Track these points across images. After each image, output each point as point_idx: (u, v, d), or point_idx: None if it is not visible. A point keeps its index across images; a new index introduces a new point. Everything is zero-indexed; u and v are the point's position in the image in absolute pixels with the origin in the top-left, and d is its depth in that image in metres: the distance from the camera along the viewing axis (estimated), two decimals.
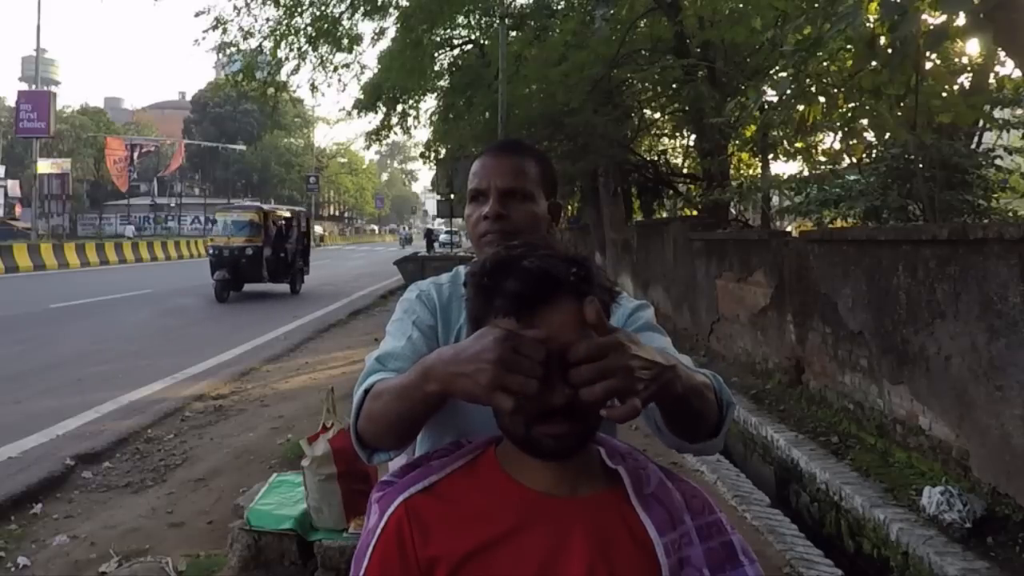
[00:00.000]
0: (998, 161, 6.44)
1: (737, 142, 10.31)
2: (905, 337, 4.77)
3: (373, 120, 18.70)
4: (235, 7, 13.11)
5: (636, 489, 0.97)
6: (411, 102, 18.52)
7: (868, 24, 3.91)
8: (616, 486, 0.98)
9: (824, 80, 5.31)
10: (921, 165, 5.85)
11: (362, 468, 3.04)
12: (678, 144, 16.29)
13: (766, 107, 7.08)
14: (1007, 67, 5.77)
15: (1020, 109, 6.43)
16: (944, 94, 5.03)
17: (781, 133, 8.38)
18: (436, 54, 16.40)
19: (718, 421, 1.07)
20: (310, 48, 13.64)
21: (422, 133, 36.59)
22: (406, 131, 19.66)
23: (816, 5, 5.50)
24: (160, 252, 30.79)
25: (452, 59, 17.94)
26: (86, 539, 3.79)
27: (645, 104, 14.30)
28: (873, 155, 6.89)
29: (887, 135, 5.72)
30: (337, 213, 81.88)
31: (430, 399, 0.93)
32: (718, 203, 9.93)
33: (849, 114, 5.47)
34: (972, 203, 6.04)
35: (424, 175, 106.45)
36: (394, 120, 18.80)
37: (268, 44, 13.51)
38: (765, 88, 7.00)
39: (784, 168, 22.87)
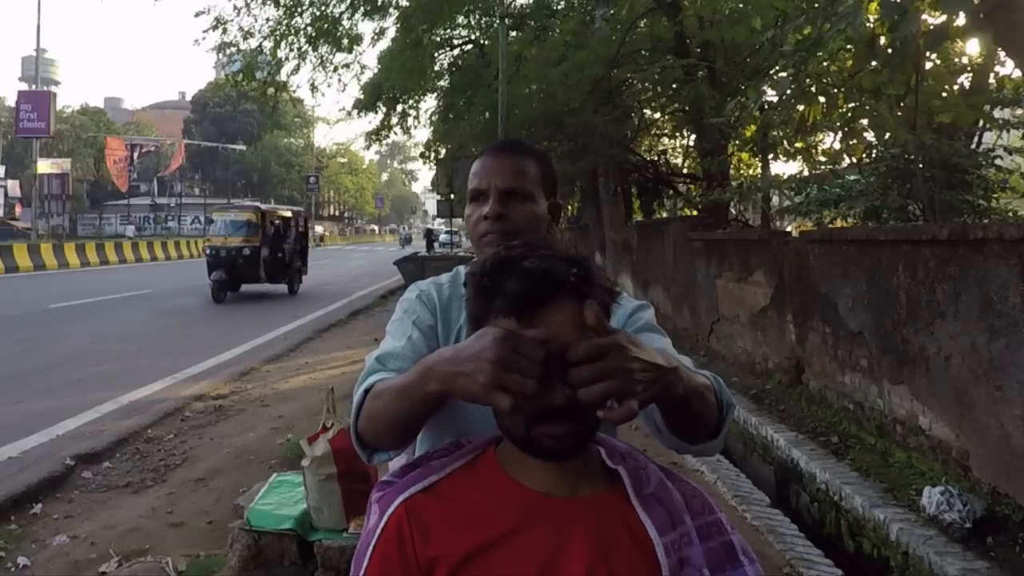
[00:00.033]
0: (998, 161, 6.44)
1: (737, 142, 10.31)
2: (905, 337, 4.77)
3: (373, 120, 18.72)
4: (235, 7, 13.13)
5: (636, 489, 0.97)
6: (411, 102, 18.52)
7: (868, 24, 3.91)
8: (616, 486, 0.98)
9: (824, 80, 5.31)
10: (921, 165, 5.85)
11: (362, 468, 3.04)
12: (678, 144, 16.30)
13: (766, 107, 7.08)
14: (1007, 67, 5.77)
15: (1020, 109, 6.43)
16: (944, 94, 5.03)
17: (781, 133, 8.38)
18: (436, 54, 16.39)
19: (718, 422, 1.07)
20: (310, 48, 13.65)
21: (422, 133, 36.62)
22: (406, 131, 19.67)
23: (816, 5, 5.50)
24: (160, 252, 30.80)
25: (452, 59, 17.95)
26: (86, 539, 3.79)
27: (645, 104, 14.30)
28: (873, 155, 6.88)
29: (887, 135, 5.72)
30: (337, 213, 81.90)
31: (430, 399, 0.93)
32: (718, 203, 9.93)
33: (849, 114, 5.47)
34: (972, 203, 6.04)
35: (424, 175, 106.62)
36: (394, 120, 18.79)
37: (268, 44, 13.52)
38: (765, 88, 7.00)
39: (784, 168, 22.89)
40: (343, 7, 13.06)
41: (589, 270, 0.94)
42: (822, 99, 5.11)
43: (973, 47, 5.43)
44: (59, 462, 4.97)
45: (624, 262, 14.13)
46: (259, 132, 62.28)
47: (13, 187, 47.89)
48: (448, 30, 16.06)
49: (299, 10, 12.91)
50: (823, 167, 8.36)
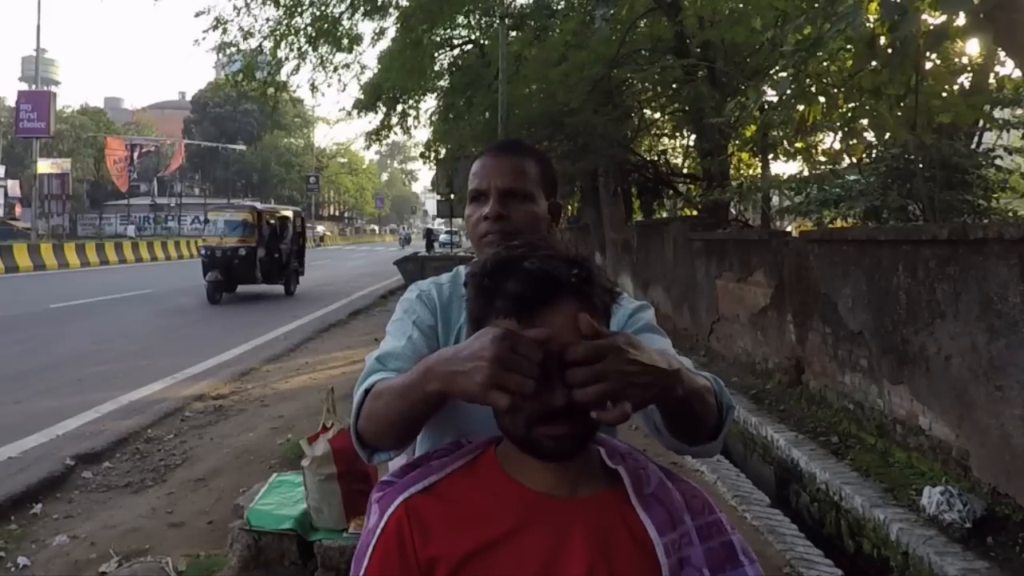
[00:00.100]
0: (998, 161, 6.44)
1: (737, 142, 10.31)
2: (905, 337, 4.77)
3: (373, 120, 18.72)
4: (235, 7, 13.12)
5: (636, 489, 0.97)
6: (411, 102, 18.52)
7: (868, 24, 3.91)
8: (616, 486, 0.98)
9: (824, 80, 5.31)
10: (921, 165, 5.85)
11: (362, 468, 3.04)
12: (678, 144, 16.30)
13: (766, 107, 7.08)
14: (1007, 67, 5.77)
15: (1020, 109, 6.43)
16: (944, 94, 5.03)
17: (781, 133, 8.38)
18: (436, 54, 16.40)
19: (718, 424, 1.07)
20: (310, 48, 13.64)
21: (422, 133, 36.61)
22: (406, 131, 19.68)
23: (816, 5, 5.50)
24: (160, 252, 30.81)
25: (452, 59, 17.95)
26: (86, 539, 3.79)
27: (645, 104, 14.30)
28: (873, 155, 6.89)
29: (887, 135, 5.72)
30: (337, 213, 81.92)
31: (430, 398, 0.93)
32: (718, 203, 9.93)
33: (849, 114, 5.47)
34: (972, 203, 6.04)
35: (424, 175, 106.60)
36: (394, 120, 18.79)
37: (268, 44, 13.51)
38: (765, 88, 7.00)
39: (784, 168, 22.86)
40: (343, 7, 13.07)
41: (590, 271, 0.94)
42: (822, 99, 5.11)
43: (973, 47, 5.43)
44: (59, 462, 4.97)
45: (624, 262, 14.13)
46: (259, 132, 62.28)
47: (13, 187, 47.89)
48: (448, 30, 16.06)
49: (299, 10, 12.91)
50: (823, 167, 8.36)
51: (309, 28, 13.18)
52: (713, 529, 1.00)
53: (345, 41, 13.76)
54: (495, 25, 13.98)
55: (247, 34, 13.38)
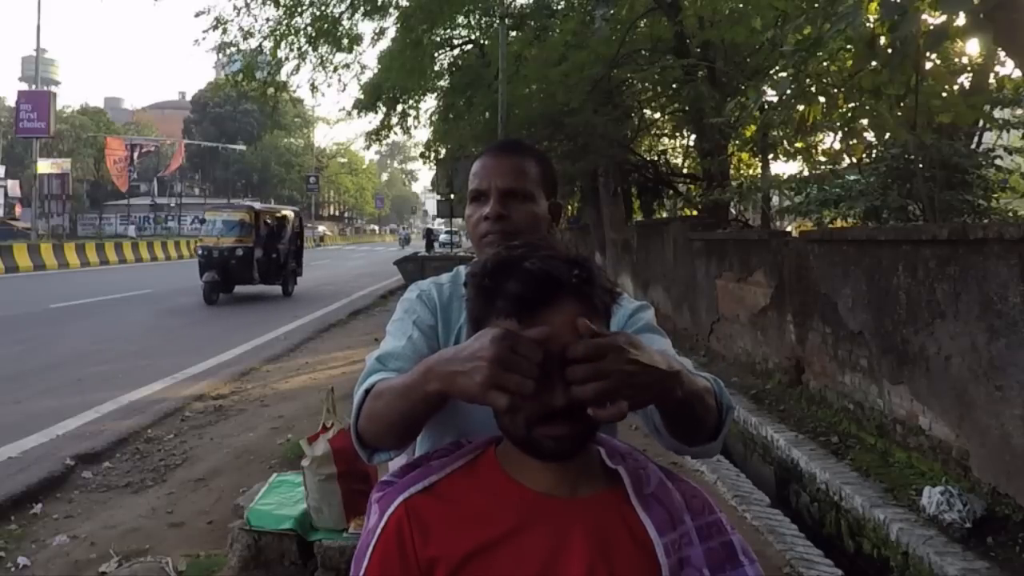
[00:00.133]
0: (998, 161, 6.44)
1: (737, 142, 10.31)
2: (905, 337, 4.77)
3: (373, 120, 18.72)
4: (235, 7, 13.12)
5: (636, 489, 0.97)
6: (411, 102, 18.53)
7: (868, 24, 3.91)
8: (616, 486, 0.98)
9: (824, 80, 5.31)
10: (921, 165, 5.85)
11: (362, 468, 3.04)
12: (678, 144, 16.30)
13: (766, 107, 7.08)
14: (1007, 67, 5.77)
15: (1020, 109, 6.43)
16: (944, 94, 5.03)
17: (781, 133, 8.38)
18: (436, 54, 16.40)
19: (717, 425, 1.07)
20: (310, 48, 13.64)
21: (422, 133, 36.63)
22: (406, 131, 19.67)
23: (816, 5, 5.50)
24: (160, 252, 30.81)
25: (452, 59, 17.95)
26: (86, 539, 3.79)
27: (645, 104, 14.30)
28: (873, 155, 6.89)
29: (887, 135, 5.72)
30: (337, 213, 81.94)
31: (431, 398, 0.94)
32: (718, 203, 9.93)
33: (849, 114, 5.48)
34: (972, 203, 6.04)
35: (424, 175, 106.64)
36: (394, 120, 18.79)
37: (268, 44, 13.51)
38: (765, 88, 7.00)
39: (784, 168, 22.89)
40: (343, 7, 13.08)
41: (590, 271, 0.94)
42: (822, 99, 5.12)
43: (973, 47, 5.43)
44: (59, 462, 4.97)
45: (624, 262, 14.13)
46: (259, 132, 62.28)
47: (13, 187, 47.89)
48: (448, 30, 16.06)
49: (299, 10, 12.91)
50: (823, 167, 8.36)
51: (309, 28, 13.18)
52: (713, 529, 1.00)
53: (345, 41, 13.77)
54: (495, 25, 13.98)
55: (247, 34, 13.40)
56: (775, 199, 9.99)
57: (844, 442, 5.26)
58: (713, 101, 9.23)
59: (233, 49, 14.13)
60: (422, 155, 21.82)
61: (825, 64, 5.36)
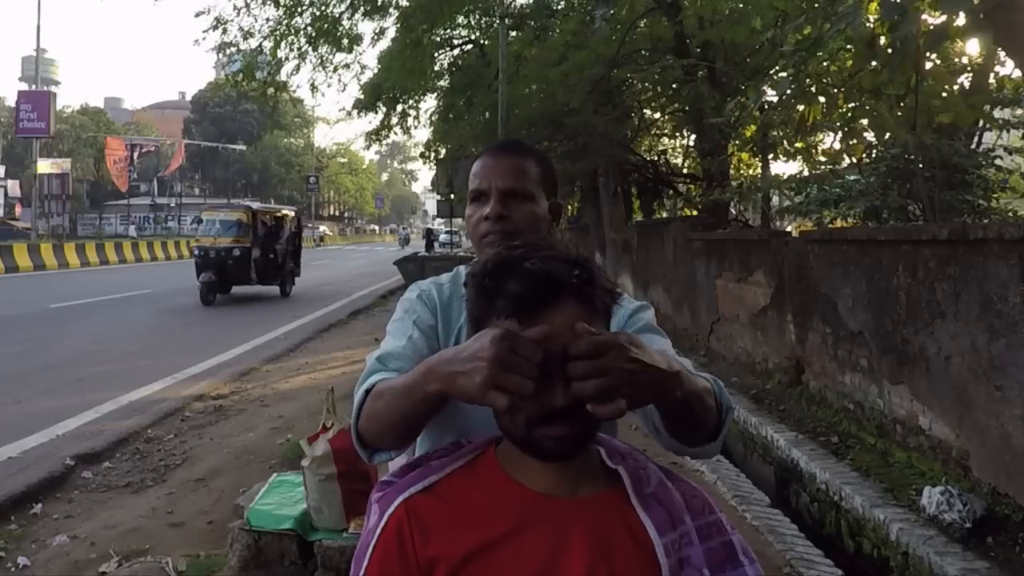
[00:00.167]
0: (998, 161, 6.44)
1: (737, 142, 10.31)
2: (905, 337, 4.77)
3: (373, 120, 18.72)
4: (235, 7, 13.12)
5: (636, 489, 0.97)
6: (411, 102, 18.53)
7: (868, 24, 3.91)
8: (616, 486, 0.98)
9: (824, 80, 5.31)
10: (921, 165, 5.85)
11: (362, 468, 3.04)
12: (678, 144, 16.30)
13: (766, 107, 7.08)
14: (1007, 67, 5.77)
15: (1020, 109, 6.43)
16: (944, 94, 5.03)
17: (781, 133, 8.38)
18: (436, 54, 16.40)
19: (717, 425, 1.07)
20: (310, 48, 13.65)
21: (422, 133, 36.62)
22: (406, 131, 19.68)
23: (816, 5, 5.50)
24: (160, 252, 30.80)
25: (452, 59, 17.95)
26: (86, 539, 3.79)
27: (645, 104, 14.30)
28: (873, 155, 6.88)
29: (887, 135, 5.72)
30: (337, 213, 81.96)
31: (431, 399, 0.94)
32: (718, 203, 9.93)
33: (849, 114, 5.48)
34: (972, 203, 6.04)
35: (424, 175, 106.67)
36: (394, 120, 18.80)
37: (268, 44, 13.52)
38: (765, 88, 7.00)
39: (784, 168, 22.90)
40: (343, 7, 13.08)
41: (591, 271, 0.94)
42: (822, 99, 5.12)
43: (973, 47, 5.43)
44: (59, 462, 4.96)
45: (624, 262, 14.13)
46: (259, 132, 62.29)
47: (13, 187, 47.90)
48: (448, 30, 16.06)
49: (299, 10, 12.92)
50: (823, 167, 8.36)
51: (309, 28, 13.19)
52: (713, 529, 1.00)
53: (345, 41, 13.77)
54: (495, 25, 13.98)
55: (247, 34, 13.41)
56: (775, 199, 9.99)
57: (844, 442, 5.26)
58: (713, 101, 9.23)
59: (233, 49, 14.14)
60: (422, 155, 21.84)
61: (825, 64, 5.36)
